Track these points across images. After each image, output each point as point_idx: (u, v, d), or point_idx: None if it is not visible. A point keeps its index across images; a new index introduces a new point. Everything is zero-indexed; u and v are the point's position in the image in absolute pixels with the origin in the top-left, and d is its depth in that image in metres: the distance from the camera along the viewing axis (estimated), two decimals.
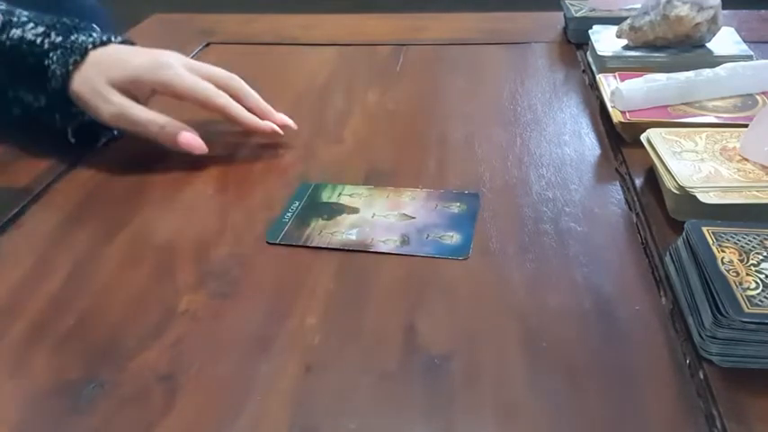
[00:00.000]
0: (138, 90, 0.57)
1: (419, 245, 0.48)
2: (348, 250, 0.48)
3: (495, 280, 0.45)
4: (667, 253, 0.44)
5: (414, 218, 0.51)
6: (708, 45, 0.73)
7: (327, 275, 0.45)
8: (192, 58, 0.85)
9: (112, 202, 0.55)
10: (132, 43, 0.62)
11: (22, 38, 0.57)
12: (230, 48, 0.89)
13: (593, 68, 0.74)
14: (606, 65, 0.72)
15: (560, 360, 0.38)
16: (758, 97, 0.62)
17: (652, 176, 0.53)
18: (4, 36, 0.58)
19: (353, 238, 0.49)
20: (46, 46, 0.57)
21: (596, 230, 0.49)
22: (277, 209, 0.53)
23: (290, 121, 0.61)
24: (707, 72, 0.63)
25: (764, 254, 0.39)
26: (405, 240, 0.48)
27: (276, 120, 0.60)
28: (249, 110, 0.59)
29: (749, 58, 0.70)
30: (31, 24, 0.58)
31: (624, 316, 0.41)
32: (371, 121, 0.67)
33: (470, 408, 0.36)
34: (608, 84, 0.66)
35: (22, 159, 0.62)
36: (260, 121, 0.59)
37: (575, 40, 0.85)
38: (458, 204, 0.52)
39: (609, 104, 0.62)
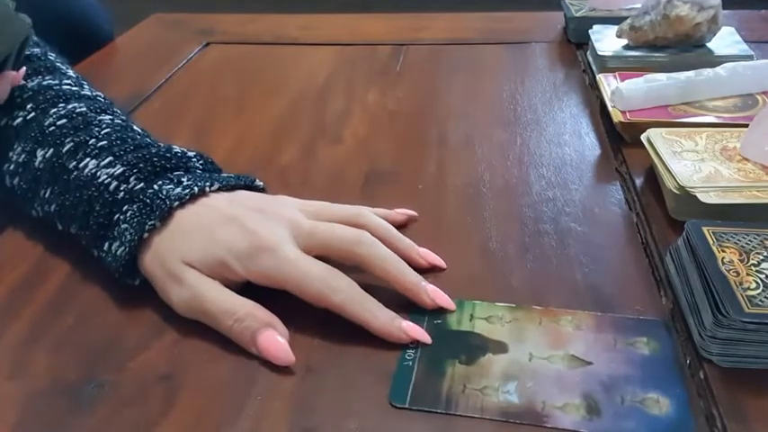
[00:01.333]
0: (223, 274, 0.41)
1: (615, 417, 0.34)
2: (514, 422, 0.34)
3: (495, 280, 0.45)
4: (667, 253, 0.44)
5: (590, 363, 0.37)
6: (708, 45, 0.73)
7: None
8: (191, 58, 0.86)
9: None
10: (239, 183, 0.46)
11: (93, 176, 0.44)
12: (230, 48, 0.89)
13: (593, 68, 0.74)
14: (606, 65, 0.72)
15: None
16: (758, 97, 0.62)
17: (652, 176, 0.53)
18: (73, 164, 0.45)
19: (514, 399, 0.35)
20: (121, 194, 0.43)
21: (596, 230, 0.49)
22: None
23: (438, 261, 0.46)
24: (707, 72, 0.63)
25: (765, 254, 0.39)
26: (592, 407, 0.35)
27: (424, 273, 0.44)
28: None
29: (749, 58, 0.70)
30: (109, 158, 0.45)
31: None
32: (371, 121, 0.67)
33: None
34: (608, 84, 0.66)
35: None
36: (392, 328, 0.39)
37: (575, 40, 0.85)
38: (644, 340, 0.39)
39: (609, 104, 0.62)
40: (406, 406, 0.35)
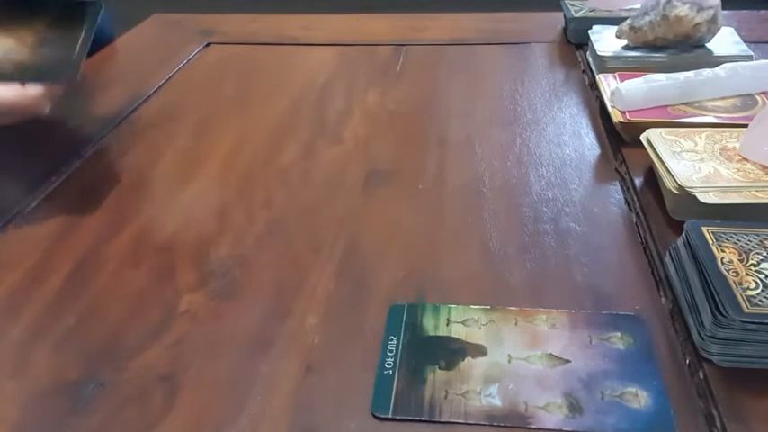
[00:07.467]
0: None
1: (596, 413, 0.34)
2: (499, 425, 0.34)
3: (495, 280, 0.45)
4: (667, 253, 0.44)
5: (568, 361, 0.38)
6: (708, 45, 0.73)
7: (327, 274, 0.46)
8: (192, 58, 0.86)
9: (112, 202, 0.55)
10: None
11: None
12: (230, 48, 0.89)
13: (593, 68, 0.74)
14: (606, 65, 0.72)
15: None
16: (758, 97, 0.62)
17: (652, 176, 0.53)
18: None
19: (497, 402, 0.35)
20: None
21: (596, 230, 0.49)
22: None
23: None
24: (707, 72, 0.63)
25: (764, 254, 0.39)
26: (574, 405, 0.35)
27: None
28: None
29: (749, 58, 0.70)
30: None
31: None
32: (371, 121, 0.67)
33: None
34: (608, 84, 0.66)
35: (21, 160, 0.62)
36: None
37: (575, 41, 0.85)
38: (618, 335, 0.39)
39: (609, 104, 0.62)
40: (389, 416, 0.35)
